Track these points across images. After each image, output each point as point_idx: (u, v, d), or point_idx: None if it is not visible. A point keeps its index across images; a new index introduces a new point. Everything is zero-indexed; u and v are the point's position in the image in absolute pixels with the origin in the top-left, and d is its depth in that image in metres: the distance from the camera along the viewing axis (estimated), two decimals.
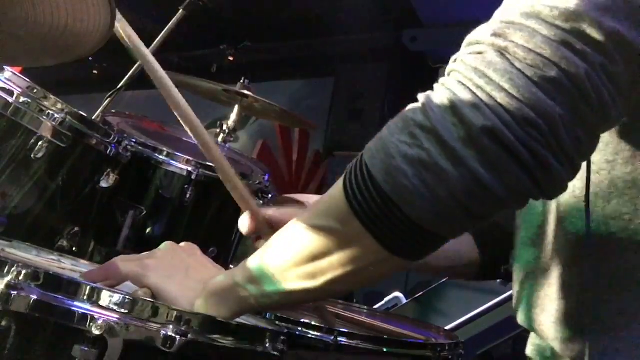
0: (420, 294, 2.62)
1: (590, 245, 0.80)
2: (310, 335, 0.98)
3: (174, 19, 2.18)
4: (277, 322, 0.96)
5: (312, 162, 4.81)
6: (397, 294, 2.67)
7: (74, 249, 1.51)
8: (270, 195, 1.82)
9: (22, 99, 1.32)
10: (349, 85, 4.45)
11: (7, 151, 1.34)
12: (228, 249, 1.80)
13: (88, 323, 0.66)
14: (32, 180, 1.38)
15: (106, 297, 0.68)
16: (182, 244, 0.94)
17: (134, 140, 1.62)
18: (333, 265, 0.73)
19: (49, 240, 1.46)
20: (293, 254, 0.75)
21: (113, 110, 1.86)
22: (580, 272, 0.83)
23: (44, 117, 1.35)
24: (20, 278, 0.66)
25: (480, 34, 0.68)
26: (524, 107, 0.62)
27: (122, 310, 0.68)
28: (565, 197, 0.83)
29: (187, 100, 1.02)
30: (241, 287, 0.79)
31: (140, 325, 0.68)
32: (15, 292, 0.65)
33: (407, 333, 1.30)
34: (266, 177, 1.79)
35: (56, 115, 1.36)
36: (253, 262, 0.79)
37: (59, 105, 1.37)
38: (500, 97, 0.62)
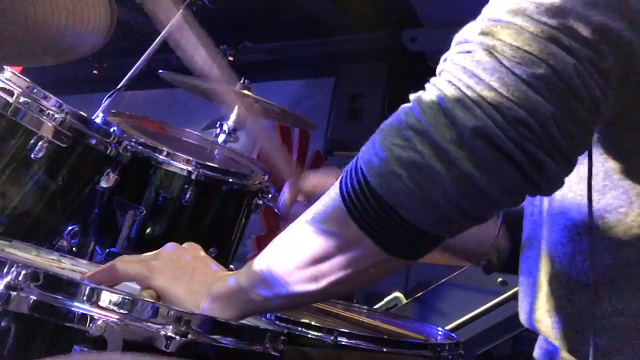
0: (420, 294, 2.62)
1: (589, 240, 0.80)
2: (310, 335, 0.98)
3: (173, 19, 2.18)
4: (277, 322, 0.96)
5: (312, 162, 4.81)
6: (397, 294, 2.67)
7: (74, 249, 1.51)
8: (270, 195, 1.81)
9: (22, 99, 1.32)
10: (349, 85, 4.44)
11: (7, 151, 1.34)
12: (228, 249, 1.80)
13: (87, 323, 0.66)
14: (32, 180, 1.38)
15: (106, 298, 0.68)
16: (185, 244, 0.94)
17: (134, 140, 1.62)
18: (334, 268, 0.73)
19: (49, 240, 1.46)
20: (295, 258, 0.76)
21: (113, 110, 1.86)
22: (578, 269, 0.82)
23: (44, 117, 1.35)
24: (20, 278, 0.66)
25: (468, 33, 0.68)
26: (514, 106, 0.62)
27: (122, 311, 0.68)
28: (563, 192, 0.82)
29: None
30: (247, 291, 0.79)
31: (140, 326, 0.68)
32: (15, 293, 0.65)
33: (407, 333, 1.30)
34: (266, 177, 1.79)
35: (56, 115, 1.35)
36: (257, 265, 0.80)
37: (59, 105, 1.37)
38: (490, 97, 0.62)
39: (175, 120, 2.24)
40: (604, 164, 0.79)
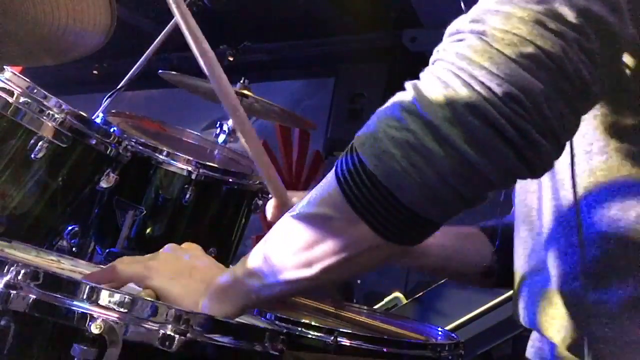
0: (420, 294, 2.62)
1: (577, 233, 0.82)
2: (310, 335, 0.98)
3: (174, 19, 2.18)
4: (276, 322, 0.96)
5: (312, 162, 4.81)
6: (397, 294, 2.67)
7: (73, 249, 1.51)
8: (270, 195, 1.81)
9: (22, 99, 1.32)
10: (349, 85, 4.44)
11: (7, 151, 1.34)
12: (228, 249, 1.80)
13: (87, 322, 0.66)
14: (32, 180, 1.38)
15: (105, 297, 0.68)
16: (184, 244, 0.94)
17: (134, 140, 1.62)
18: (327, 253, 0.73)
19: (49, 240, 1.47)
20: (289, 243, 0.76)
21: (113, 110, 1.86)
22: (570, 262, 0.84)
23: (44, 117, 1.35)
24: (20, 277, 0.66)
25: (459, 23, 0.70)
26: (504, 83, 0.63)
27: (122, 310, 0.68)
28: (556, 187, 0.84)
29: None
30: (243, 282, 0.80)
31: (140, 325, 0.68)
32: (15, 292, 0.65)
33: (407, 333, 1.30)
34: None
35: (56, 115, 1.36)
36: (253, 256, 0.80)
37: (59, 105, 1.37)
38: (482, 75, 0.64)
39: (175, 120, 2.24)
40: (588, 162, 0.82)
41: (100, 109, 1.85)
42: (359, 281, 3.40)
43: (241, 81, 2.31)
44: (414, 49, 4.04)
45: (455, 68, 0.66)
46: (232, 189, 1.74)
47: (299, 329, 0.99)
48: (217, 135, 2.23)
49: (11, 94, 1.32)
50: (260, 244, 0.81)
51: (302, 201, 0.77)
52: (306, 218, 0.75)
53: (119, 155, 1.52)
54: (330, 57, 4.54)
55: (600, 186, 0.81)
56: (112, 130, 1.56)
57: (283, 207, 1.03)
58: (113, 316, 0.67)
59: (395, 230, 0.70)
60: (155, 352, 0.67)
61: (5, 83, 1.32)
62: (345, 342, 0.99)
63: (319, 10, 4.11)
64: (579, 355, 0.83)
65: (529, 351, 0.98)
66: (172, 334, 0.67)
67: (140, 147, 1.64)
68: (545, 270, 0.88)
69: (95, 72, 4.95)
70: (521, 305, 0.94)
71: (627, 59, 0.77)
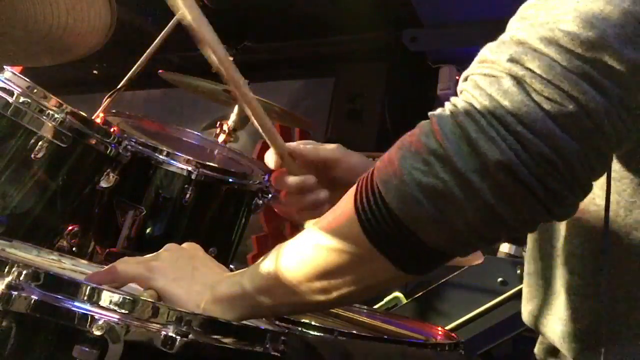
0: (420, 294, 2.61)
1: (610, 256, 0.79)
2: (310, 335, 0.98)
3: (174, 19, 2.18)
4: (277, 322, 0.96)
5: None
6: (397, 294, 2.67)
7: (74, 249, 1.51)
8: (270, 195, 1.82)
9: (22, 99, 1.32)
10: (349, 85, 4.44)
11: (7, 151, 1.34)
12: (228, 249, 1.80)
13: (88, 323, 0.66)
14: (32, 180, 1.38)
15: (106, 298, 0.68)
16: (185, 244, 0.94)
17: (134, 140, 1.62)
18: (346, 283, 0.73)
19: (49, 240, 1.46)
20: (306, 269, 0.75)
21: (113, 110, 1.86)
22: (596, 283, 0.81)
23: (44, 117, 1.35)
24: (21, 278, 0.66)
25: (496, 54, 0.65)
26: (540, 143, 0.61)
27: (123, 311, 0.68)
28: (586, 204, 0.80)
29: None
30: (252, 297, 0.79)
31: (141, 326, 0.68)
32: (16, 293, 0.65)
33: (407, 333, 1.30)
34: (266, 177, 1.79)
35: (56, 115, 1.35)
36: (264, 271, 0.79)
37: (59, 105, 1.37)
38: (516, 132, 0.61)
39: (175, 120, 2.24)
40: (632, 180, 0.78)
41: (100, 109, 1.85)
42: None
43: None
44: (413, 49, 4.04)
45: (488, 114, 0.62)
46: (232, 189, 1.74)
47: (299, 328, 0.99)
48: (217, 135, 2.23)
49: (11, 94, 1.32)
50: (273, 259, 0.79)
51: (319, 224, 0.75)
52: (324, 246, 0.73)
53: (119, 155, 1.52)
54: (329, 57, 4.54)
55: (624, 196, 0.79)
56: (112, 130, 1.56)
57: (282, 159, 1.01)
58: (114, 317, 0.67)
59: (415, 264, 0.70)
60: (156, 353, 0.67)
61: (5, 83, 1.31)
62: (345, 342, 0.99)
63: (318, 10, 4.10)
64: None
65: (538, 347, 0.97)
66: (174, 335, 0.67)
67: (140, 147, 1.64)
68: (567, 285, 0.86)
69: (95, 72, 4.95)
70: (530, 310, 0.93)
71: None
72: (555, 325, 0.87)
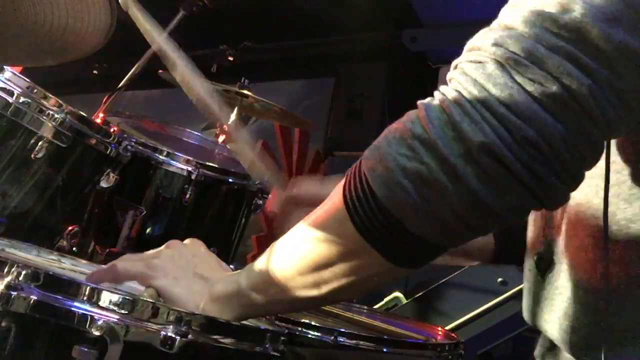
0: (420, 294, 2.62)
1: (609, 249, 0.78)
2: (310, 335, 0.98)
3: (174, 19, 2.18)
4: (277, 322, 0.96)
5: (312, 162, 4.80)
6: (397, 294, 2.67)
7: (74, 249, 1.51)
8: (270, 195, 1.81)
9: (22, 99, 1.32)
10: (349, 85, 4.44)
11: (7, 151, 1.34)
12: (228, 249, 1.80)
13: (88, 324, 0.66)
14: (32, 180, 1.38)
15: (106, 298, 0.68)
16: (187, 240, 0.93)
17: (134, 140, 1.62)
18: (336, 276, 0.73)
19: (49, 240, 1.46)
20: (296, 263, 0.75)
21: (113, 110, 1.86)
22: (596, 278, 0.80)
23: (44, 117, 1.35)
24: (20, 278, 0.66)
25: (482, 40, 0.65)
26: (523, 125, 0.60)
27: (122, 311, 0.68)
28: (588, 197, 0.80)
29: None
30: (247, 295, 0.79)
31: (140, 326, 0.68)
32: (15, 293, 0.65)
33: (407, 333, 1.30)
34: (266, 177, 1.79)
35: (56, 115, 1.36)
36: (258, 269, 0.79)
37: (59, 105, 1.37)
38: (500, 114, 0.60)
39: (175, 120, 2.24)
40: (632, 172, 0.76)
41: (100, 109, 1.85)
42: None
43: (241, 81, 2.31)
44: (414, 49, 4.03)
45: (472, 99, 0.62)
46: (232, 189, 1.74)
47: (299, 329, 0.99)
48: (217, 136, 2.23)
49: (11, 94, 1.32)
50: (267, 256, 0.79)
51: (309, 218, 0.75)
52: (314, 239, 0.73)
53: (119, 155, 1.52)
54: (330, 57, 4.54)
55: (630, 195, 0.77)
56: (112, 130, 1.56)
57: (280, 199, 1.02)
58: (114, 317, 0.67)
59: (404, 256, 0.69)
60: (156, 354, 0.67)
61: (5, 83, 1.32)
62: (345, 342, 0.99)
63: (318, 10, 4.10)
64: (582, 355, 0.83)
65: (538, 350, 0.97)
66: (173, 335, 0.67)
67: (140, 147, 1.64)
68: (569, 281, 0.85)
69: (95, 72, 4.95)
70: (531, 308, 0.93)
71: None
72: (555, 321, 0.86)
